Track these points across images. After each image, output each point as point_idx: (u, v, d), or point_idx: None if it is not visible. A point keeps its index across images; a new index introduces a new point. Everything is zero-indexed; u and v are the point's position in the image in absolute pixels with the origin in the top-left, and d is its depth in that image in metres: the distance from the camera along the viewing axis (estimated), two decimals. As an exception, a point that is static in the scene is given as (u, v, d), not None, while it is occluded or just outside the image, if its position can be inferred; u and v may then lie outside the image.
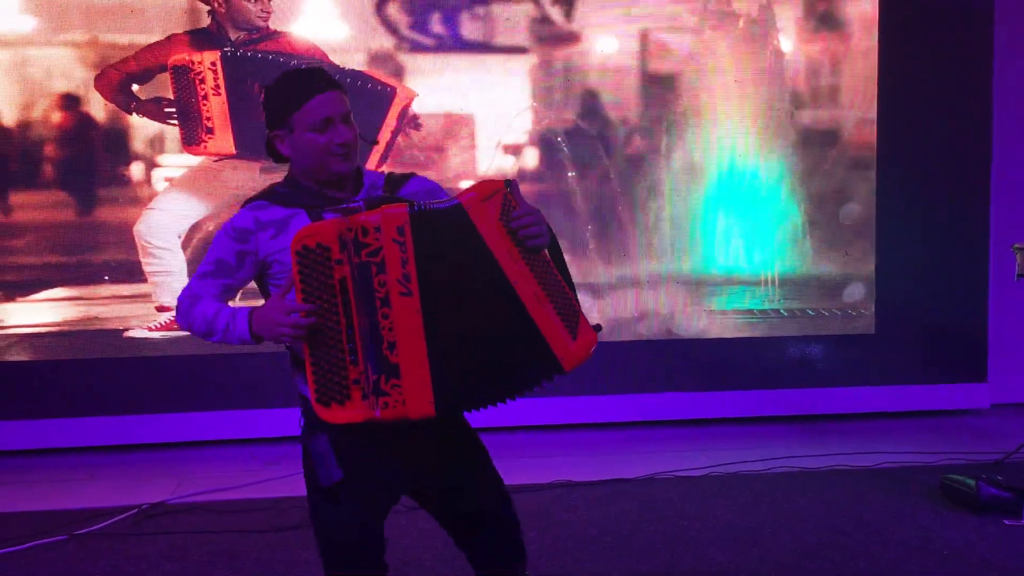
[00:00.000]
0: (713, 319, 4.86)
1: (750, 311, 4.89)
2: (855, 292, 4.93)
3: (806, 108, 4.90)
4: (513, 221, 1.96)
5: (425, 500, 2.25)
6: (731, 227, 4.87)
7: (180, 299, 2.15)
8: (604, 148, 4.75)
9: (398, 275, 1.87)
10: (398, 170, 4.69)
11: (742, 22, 4.80)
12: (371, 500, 2.09)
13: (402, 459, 2.10)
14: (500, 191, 1.97)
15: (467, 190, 1.99)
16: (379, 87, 4.51)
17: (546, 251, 2.02)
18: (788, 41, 4.85)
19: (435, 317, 1.89)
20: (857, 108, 4.90)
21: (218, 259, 2.10)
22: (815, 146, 4.87)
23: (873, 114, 4.86)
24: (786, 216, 4.88)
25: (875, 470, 4.02)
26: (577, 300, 2.04)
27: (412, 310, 1.88)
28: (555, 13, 4.73)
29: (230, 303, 2.14)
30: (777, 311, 4.90)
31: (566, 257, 2.12)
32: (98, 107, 4.45)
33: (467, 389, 1.93)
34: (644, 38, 4.80)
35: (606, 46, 4.80)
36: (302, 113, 2.06)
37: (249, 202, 2.14)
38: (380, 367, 1.89)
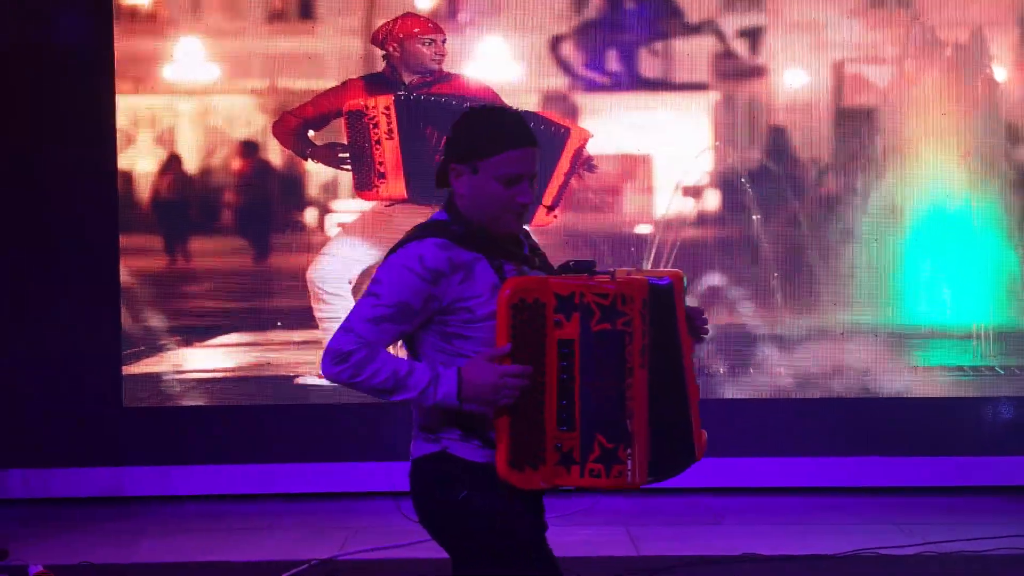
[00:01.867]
0: (917, 376, 4.41)
1: (960, 368, 4.42)
2: (1084, 349, 4.38)
3: (1024, 143, 4.42)
4: (694, 316, 2.04)
5: None
6: (937, 275, 4.42)
7: (347, 346, 1.87)
8: (793, 189, 4.42)
9: (639, 347, 1.87)
10: (570, 214, 4.61)
11: (949, 50, 4.39)
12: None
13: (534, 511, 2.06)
14: (681, 280, 2.02)
15: (667, 274, 1.99)
16: (552, 128, 4.33)
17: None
18: (1002, 70, 4.40)
19: (652, 388, 1.91)
20: (1084, 142, 4.39)
21: (401, 302, 1.86)
22: (1035, 185, 4.39)
23: (1103, 149, 4.34)
24: (1001, 263, 4.40)
25: (1123, 558, 3.49)
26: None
27: (644, 382, 1.89)
28: (740, 46, 4.46)
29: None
30: (992, 368, 4.40)
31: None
32: (275, 153, 4.48)
33: (663, 463, 1.95)
34: (838, 70, 4.46)
35: (795, 80, 4.48)
36: (496, 161, 1.90)
37: (423, 237, 1.90)
38: (620, 436, 1.87)
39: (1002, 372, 4.40)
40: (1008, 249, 4.40)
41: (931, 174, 4.39)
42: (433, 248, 1.88)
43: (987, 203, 4.39)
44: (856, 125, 4.43)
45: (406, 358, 1.95)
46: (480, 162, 1.90)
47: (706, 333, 2.07)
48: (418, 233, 1.93)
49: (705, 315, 2.08)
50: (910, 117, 4.39)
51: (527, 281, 1.87)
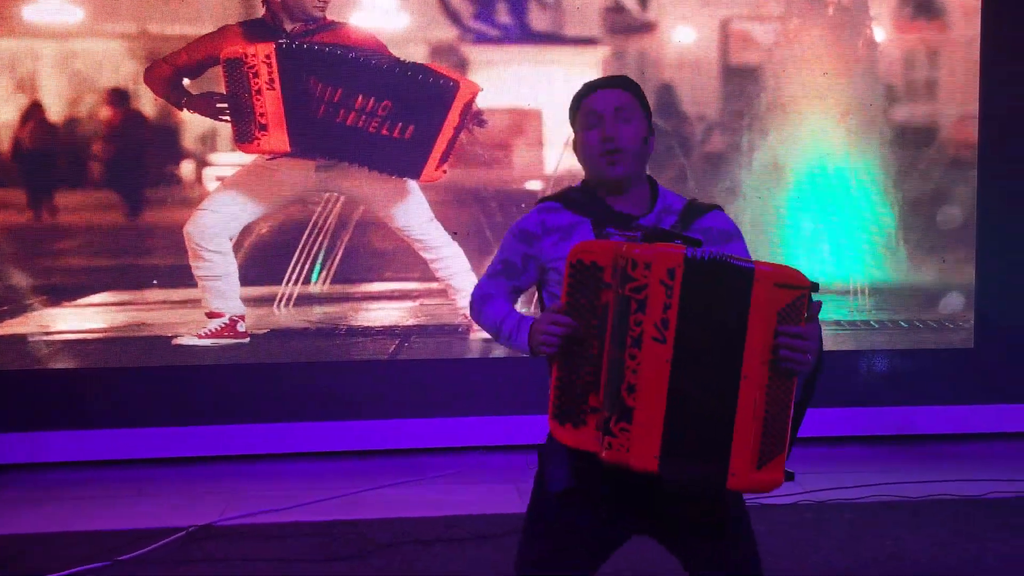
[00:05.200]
0: (797, 330, 4.51)
1: (837, 322, 4.54)
2: (952, 303, 4.56)
3: (901, 103, 4.54)
4: (785, 327, 1.78)
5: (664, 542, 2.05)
6: (817, 231, 4.52)
7: (472, 296, 2.14)
8: (680, 146, 4.43)
9: (656, 319, 1.75)
10: (460, 169, 4.50)
11: (832, 10, 4.45)
12: (586, 531, 1.95)
13: (634, 506, 1.94)
14: (801, 291, 1.80)
15: (768, 264, 1.82)
16: (441, 81, 4.24)
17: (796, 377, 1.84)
18: (882, 30, 4.49)
19: (680, 374, 1.76)
20: (957, 103, 4.54)
21: (505, 259, 2.09)
22: (910, 144, 4.51)
23: (974, 110, 4.49)
24: (878, 220, 4.52)
25: (985, 500, 3.66)
26: (791, 440, 1.85)
27: (662, 359, 1.76)
28: (629, 1, 4.42)
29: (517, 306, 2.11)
30: (867, 322, 4.54)
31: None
32: (147, 103, 4.25)
33: (679, 459, 1.78)
34: (725, 28, 4.48)
35: (684, 36, 4.48)
36: (580, 112, 2.04)
37: (542, 201, 2.08)
38: (614, 406, 1.78)
39: (876, 326, 4.55)
40: (884, 207, 4.53)
41: (812, 132, 4.47)
42: (535, 212, 2.05)
43: (865, 161, 4.50)
44: (742, 83, 4.47)
45: (516, 309, 2.06)
46: (574, 120, 2.05)
47: (793, 364, 1.77)
48: (545, 196, 2.10)
49: (801, 341, 1.77)
50: (793, 76, 4.44)
51: (593, 243, 1.85)
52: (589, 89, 2.04)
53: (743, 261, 1.80)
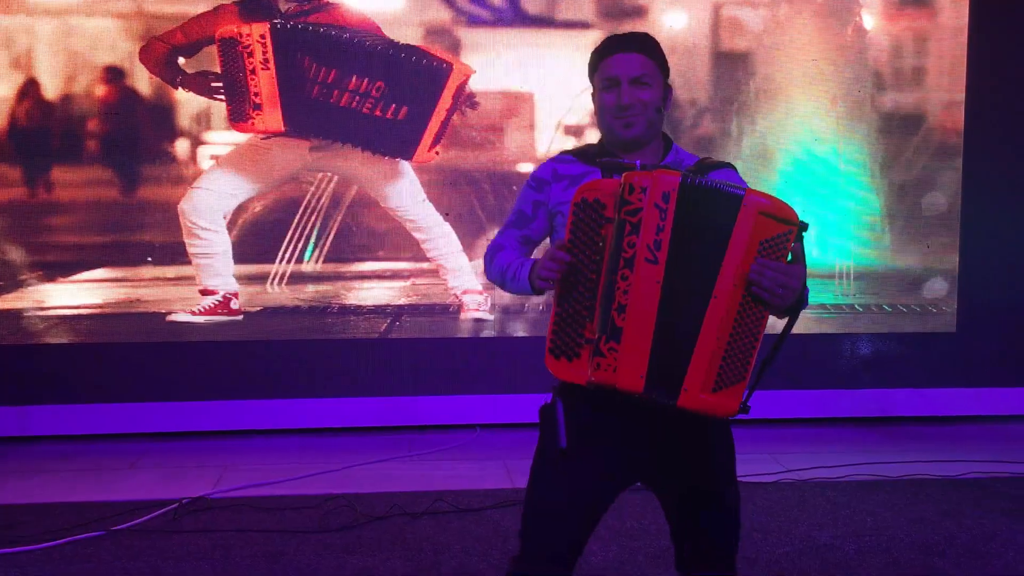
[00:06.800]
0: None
1: (823, 306, 4.61)
2: (936, 288, 4.63)
3: (889, 90, 4.60)
4: (764, 257, 1.81)
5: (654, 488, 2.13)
6: (804, 216, 4.55)
7: (486, 251, 2.19)
8: (672, 131, 4.47)
9: (649, 240, 1.80)
10: (452, 151, 4.51)
11: (822, -3, 4.50)
12: (586, 480, 1.99)
13: (630, 448, 1.99)
14: (789, 226, 1.82)
15: (763, 194, 1.85)
16: (434, 63, 4.28)
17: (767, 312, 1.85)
18: (871, 18, 4.54)
19: (669, 295, 1.82)
20: (944, 91, 4.60)
21: (519, 209, 2.15)
22: (897, 131, 4.57)
23: (961, 97, 4.55)
24: (864, 205, 4.59)
25: (962, 480, 3.74)
26: (756, 374, 1.89)
27: (653, 280, 1.81)
28: (622, -14, 4.46)
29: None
30: (852, 306, 4.61)
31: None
32: (143, 81, 4.28)
33: (659, 379, 1.81)
34: (716, 13, 4.52)
35: (675, 21, 4.53)
36: (598, 73, 2.05)
37: (560, 154, 2.15)
38: (604, 326, 1.84)
39: (861, 310, 4.62)
40: (871, 192, 4.59)
41: (801, 118, 4.52)
42: (550, 161, 2.13)
43: (852, 147, 4.56)
44: (732, 68, 4.52)
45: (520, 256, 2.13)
46: (593, 77, 2.06)
47: (767, 294, 1.80)
48: (563, 151, 2.15)
49: (780, 276, 1.80)
50: (783, 62, 4.49)
51: (599, 182, 1.89)
52: (608, 50, 2.04)
53: (736, 188, 1.83)
